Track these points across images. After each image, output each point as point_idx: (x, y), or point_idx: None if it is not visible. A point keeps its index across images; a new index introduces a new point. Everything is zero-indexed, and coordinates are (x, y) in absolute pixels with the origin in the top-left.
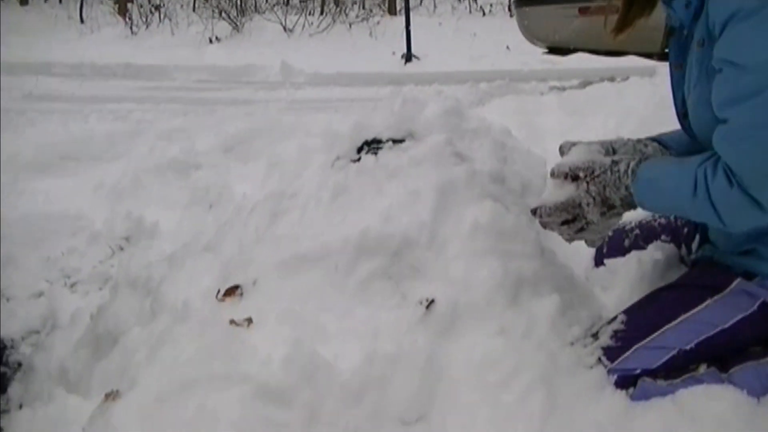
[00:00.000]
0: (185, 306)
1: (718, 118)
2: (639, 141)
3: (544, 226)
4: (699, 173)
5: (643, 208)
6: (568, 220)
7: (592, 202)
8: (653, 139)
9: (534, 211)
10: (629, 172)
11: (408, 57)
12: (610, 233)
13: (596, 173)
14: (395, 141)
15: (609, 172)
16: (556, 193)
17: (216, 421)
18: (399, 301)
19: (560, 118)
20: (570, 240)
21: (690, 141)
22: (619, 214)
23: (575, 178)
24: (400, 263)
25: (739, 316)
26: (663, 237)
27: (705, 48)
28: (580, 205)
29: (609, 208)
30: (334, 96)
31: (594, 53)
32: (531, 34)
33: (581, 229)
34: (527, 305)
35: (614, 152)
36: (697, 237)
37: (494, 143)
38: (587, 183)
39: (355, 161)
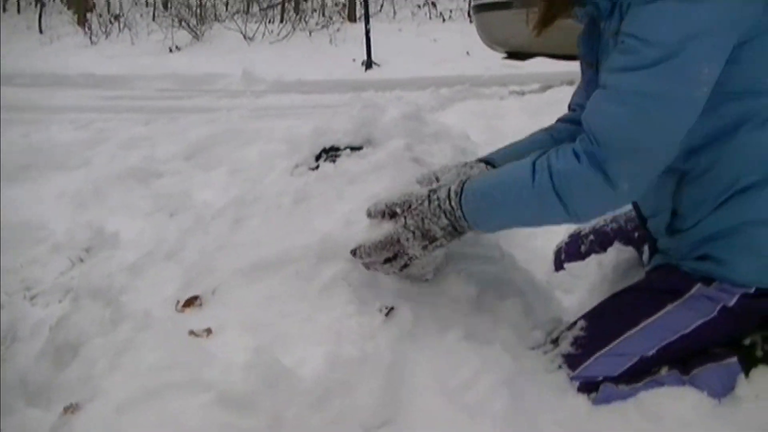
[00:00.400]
0: (146, 315)
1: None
2: (465, 164)
3: (367, 267)
4: (537, 163)
5: (478, 227)
6: (390, 258)
7: (412, 236)
8: (481, 160)
9: (353, 252)
10: (451, 195)
11: (368, 63)
12: (566, 239)
13: (413, 206)
14: (353, 148)
15: (426, 202)
16: (374, 232)
17: (179, 429)
18: (360, 306)
19: (521, 121)
20: (397, 275)
21: (515, 152)
22: (443, 245)
23: (393, 215)
24: (361, 269)
25: (700, 321)
26: (617, 242)
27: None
28: (399, 241)
29: (431, 240)
30: (295, 103)
31: (552, 57)
32: (489, 40)
33: (405, 266)
34: (490, 309)
35: (437, 181)
36: (646, 247)
37: (453, 148)
38: (404, 218)
39: (313, 169)
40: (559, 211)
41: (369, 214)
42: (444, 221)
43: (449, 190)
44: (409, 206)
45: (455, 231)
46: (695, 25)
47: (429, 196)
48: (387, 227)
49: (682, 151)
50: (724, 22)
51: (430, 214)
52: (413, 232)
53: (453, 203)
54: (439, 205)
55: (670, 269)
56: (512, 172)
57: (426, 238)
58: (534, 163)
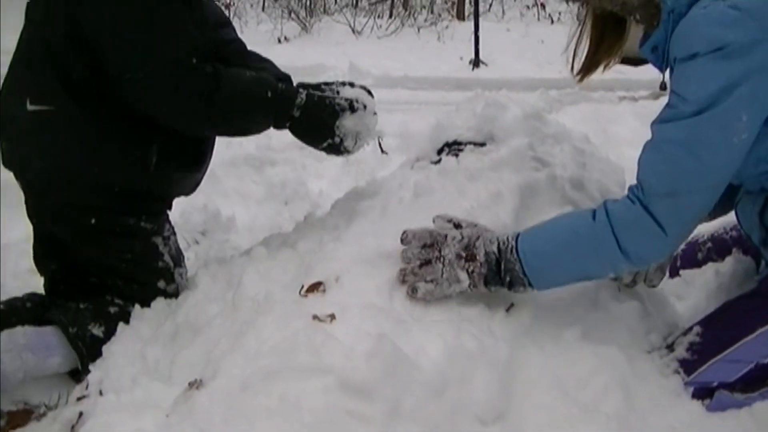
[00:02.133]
0: (267, 299)
1: None
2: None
3: (402, 257)
4: (598, 209)
5: (530, 266)
6: (426, 244)
7: (458, 237)
8: None
9: (404, 234)
10: (510, 235)
11: (476, 62)
12: (683, 245)
13: (478, 225)
14: (476, 144)
15: (486, 231)
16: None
17: (299, 411)
18: (481, 300)
19: (634, 128)
20: (404, 281)
21: None
22: (474, 277)
23: (457, 226)
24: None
25: None
26: (735, 250)
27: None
28: (445, 236)
29: (468, 258)
30: (401, 98)
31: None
32: None
33: (428, 263)
34: (606, 310)
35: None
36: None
37: (574, 149)
38: (463, 226)
39: (435, 162)
40: (614, 248)
41: (435, 218)
42: (493, 247)
43: (509, 235)
44: (475, 225)
45: (497, 264)
46: (728, 79)
47: (488, 229)
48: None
49: (762, 176)
50: (756, 69)
51: (486, 237)
52: (462, 237)
53: (510, 236)
54: (494, 236)
55: None
56: (568, 217)
57: (467, 251)
58: (593, 210)
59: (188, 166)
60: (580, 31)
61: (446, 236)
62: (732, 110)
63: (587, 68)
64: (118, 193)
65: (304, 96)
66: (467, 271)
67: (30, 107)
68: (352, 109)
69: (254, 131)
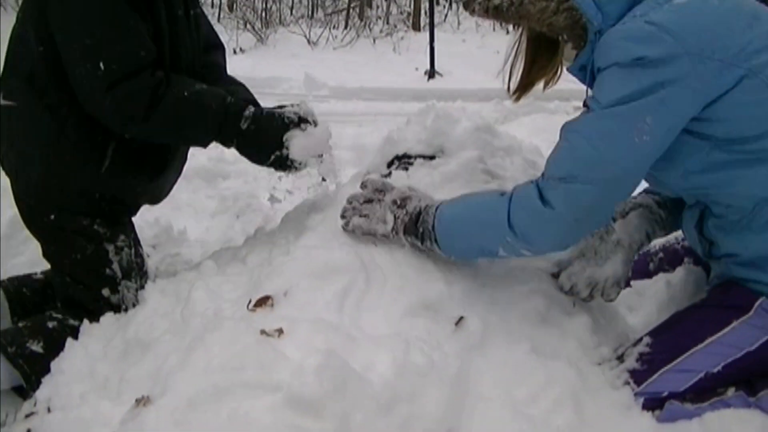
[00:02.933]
0: (216, 315)
1: None
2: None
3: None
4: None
5: (439, 221)
6: (377, 189)
7: (401, 191)
8: None
9: (363, 181)
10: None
11: (431, 73)
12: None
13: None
14: (425, 157)
15: (429, 198)
16: None
17: (248, 428)
18: (430, 314)
19: None
20: (343, 216)
21: None
22: (398, 223)
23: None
24: (431, 277)
25: (765, 338)
26: (687, 260)
27: None
28: (393, 186)
29: (400, 206)
30: (357, 110)
31: None
32: None
33: (369, 201)
34: (557, 324)
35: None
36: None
37: (525, 162)
38: (411, 188)
39: (385, 176)
40: (503, 221)
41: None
42: (422, 204)
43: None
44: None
45: (418, 218)
46: (639, 85)
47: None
48: None
49: (693, 191)
50: (669, 81)
51: (423, 197)
52: (403, 192)
53: (433, 205)
54: (425, 198)
55: (732, 284)
56: (494, 191)
57: (401, 199)
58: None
59: (145, 173)
60: (516, 50)
61: (393, 186)
62: (637, 110)
63: (523, 87)
64: (74, 191)
65: (252, 110)
66: (395, 216)
67: (2, 102)
68: (302, 122)
69: (197, 141)
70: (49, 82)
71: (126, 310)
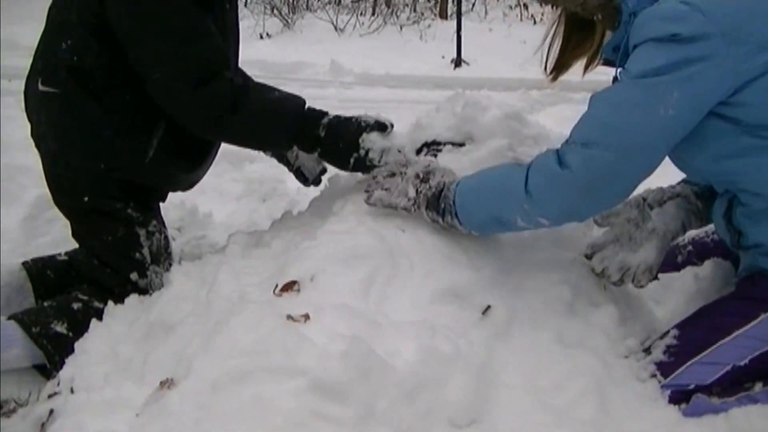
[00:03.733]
0: (241, 298)
1: None
2: None
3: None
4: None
5: (460, 194)
6: (401, 163)
7: (424, 164)
8: None
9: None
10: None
11: (458, 61)
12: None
13: (451, 170)
14: (454, 144)
15: (453, 173)
16: None
17: (271, 412)
18: (457, 302)
19: None
20: (367, 190)
21: None
22: (420, 198)
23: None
24: (459, 263)
25: None
26: (716, 255)
27: None
28: (417, 160)
29: (423, 180)
30: (382, 97)
31: None
32: None
33: (392, 175)
34: (583, 315)
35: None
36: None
37: None
38: (437, 163)
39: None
40: (520, 186)
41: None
42: (444, 180)
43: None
44: (445, 168)
45: (440, 194)
46: (668, 60)
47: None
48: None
49: (722, 177)
50: (698, 59)
51: (447, 172)
52: (427, 165)
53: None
54: (449, 173)
55: (760, 277)
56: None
57: (424, 173)
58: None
59: (185, 164)
60: (554, 31)
61: (418, 161)
62: (665, 84)
63: (558, 67)
64: (113, 178)
65: (330, 116)
66: (417, 189)
67: (41, 87)
68: (379, 126)
69: (276, 145)
70: (97, 72)
71: (148, 293)
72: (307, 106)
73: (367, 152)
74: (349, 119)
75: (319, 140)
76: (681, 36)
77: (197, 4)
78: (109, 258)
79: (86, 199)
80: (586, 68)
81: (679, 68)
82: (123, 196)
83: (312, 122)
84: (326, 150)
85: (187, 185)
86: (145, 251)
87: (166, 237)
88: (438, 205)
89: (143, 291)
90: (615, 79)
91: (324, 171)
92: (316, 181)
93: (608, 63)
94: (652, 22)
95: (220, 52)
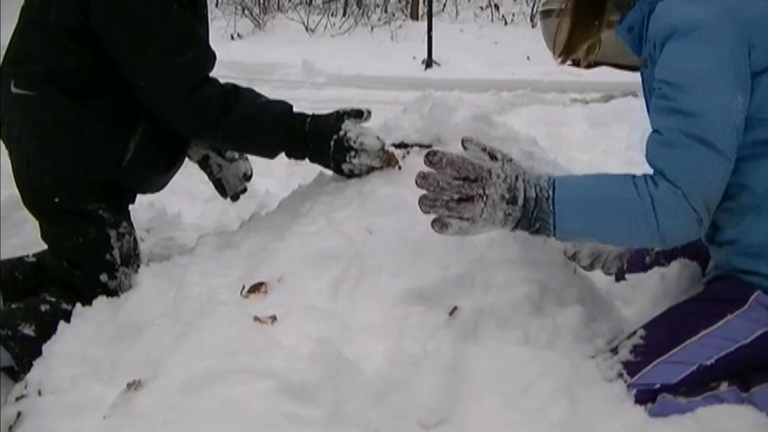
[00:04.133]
0: (210, 299)
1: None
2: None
3: (426, 178)
4: (638, 180)
5: (561, 220)
6: (469, 178)
7: (503, 176)
8: None
9: (430, 156)
10: (543, 177)
11: (429, 62)
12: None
13: (514, 162)
14: (422, 146)
15: (523, 168)
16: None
17: (240, 414)
18: (424, 303)
19: (585, 130)
20: (429, 212)
21: None
22: (508, 221)
23: (492, 156)
24: (427, 266)
25: (759, 332)
26: (683, 256)
27: (649, 68)
28: (489, 171)
29: (510, 201)
30: (354, 97)
31: (618, 67)
32: None
33: (469, 199)
34: (551, 315)
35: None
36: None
37: (521, 152)
38: (504, 162)
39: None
40: (653, 229)
41: (467, 142)
42: (532, 193)
43: (544, 173)
44: (510, 159)
45: (532, 212)
46: (710, 61)
47: (525, 167)
48: (482, 157)
49: None
50: (737, 51)
51: (527, 178)
52: (506, 176)
53: (547, 184)
54: (533, 178)
55: (728, 278)
56: (610, 179)
57: (509, 192)
58: (634, 178)
59: (161, 167)
60: (562, 12)
61: (490, 172)
62: (726, 91)
63: (566, 50)
64: (87, 180)
65: (313, 114)
66: (504, 213)
67: (14, 90)
68: (357, 114)
69: (266, 148)
70: (75, 75)
71: (118, 294)
72: (293, 107)
73: (345, 133)
74: (329, 113)
75: (305, 135)
76: (707, 22)
77: (186, 9)
78: (79, 259)
79: (57, 200)
80: (588, 55)
81: (720, 70)
82: (95, 198)
83: (300, 119)
84: (313, 142)
85: (159, 187)
86: (116, 252)
87: (135, 238)
88: (530, 226)
89: (112, 292)
90: (645, 63)
91: (244, 190)
92: (234, 197)
93: (583, 64)
94: (676, 7)
95: (210, 57)
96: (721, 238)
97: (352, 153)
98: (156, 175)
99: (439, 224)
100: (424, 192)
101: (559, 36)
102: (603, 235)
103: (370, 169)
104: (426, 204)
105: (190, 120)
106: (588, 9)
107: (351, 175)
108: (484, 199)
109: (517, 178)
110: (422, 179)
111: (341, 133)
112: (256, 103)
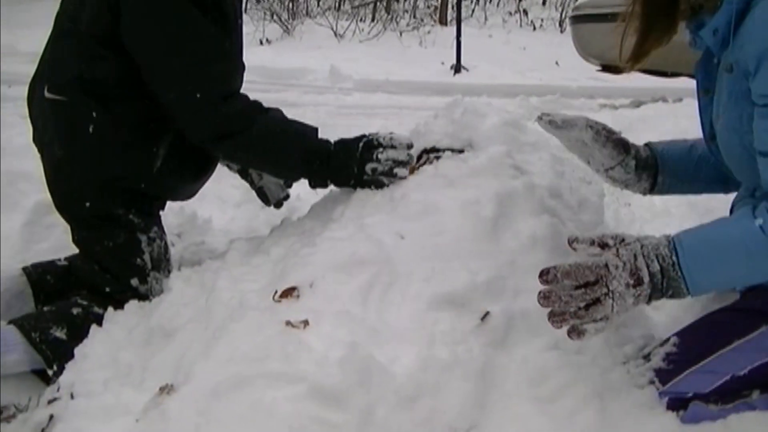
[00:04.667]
0: (240, 304)
1: (754, 149)
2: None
3: (548, 297)
4: (759, 213)
5: (693, 277)
6: (589, 282)
7: (621, 266)
8: (645, 145)
9: (545, 273)
10: (662, 242)
11: (457, 68)
12: None
13: (626, 240)
14: (453, 150)
15: (639, 244)
16: (578, 257)
17: (270, 418)
18: (455, 308)
19: None
20: (561, 325)
21: (686, 154)
22: (640, 300)
23: (603, 246)
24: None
25: None
26: None
27: (735, 74)
28: (606, 266)
29: (636, 283)
30: (382, 103)
31: (646, 73)
32: (585, 51)
33: (596, 302)
34: None
35: (607, 139)
36: None
37: (552, 157)
38: (617, 248)
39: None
40: None
41: (573, 242)
42: (656, 266)
43: (660, 238)
44: (622, 240)
45: (662, 284)
46: None
47: (639, 239)
48: (593, 253)
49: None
50: None
51: (645, 252)
52: (624, 263)
53: (667, 249)
54: (651, 249)
55: (763, 290)
56: (729, 223)
57: (632, 276)
58: (754, 211)
59: (191, 175)
60: (629, 16)
61: (608, 267)
62: None
63: (636, 56)
64: (117, 186)
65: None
66: (634, 297)
67: (47, 95)
68: (381, 145)
69: (288, 168)
70: (106, 82)
71: (148, 299)
72: (318, 130)
73: (376, 134)
74: (352, 141)
75: (329, 153)
76: None
77: (216, 24)
78: (109, 264)
79: (88, 204)
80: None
81: None
82: (125, 203)
83: (325, 140)
84: (338, 157)
85: (189, 195)
86: (146, 257)
87: (166, 243)
88: (663, 294)
89: (143, 297)
90: (730, 66)
91: (287, 197)
92: (278, 205)
93: (608, 69)
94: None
95: (238, 71)
96: None
97: (381, 150)
98: (185, 184)
99: (575, 333)
100: (549, 309)
101: (627, 41)
102: (742, 280)
103: (394, 173)
104: (556, 321)
105: (211, 131)
106: (661, 10)
107: (374, 180)
108: (611, 295)
109: (635, 257)
110: (544, 299)
111: (371, 135)
112: (281, 119)
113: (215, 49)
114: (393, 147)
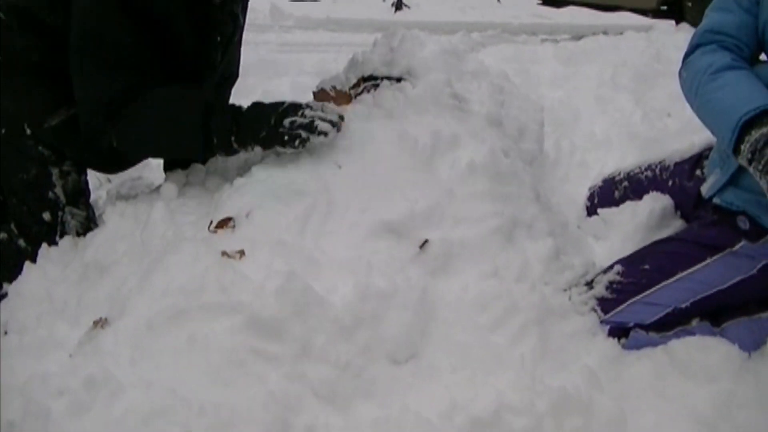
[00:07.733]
0: (176, 237)
1: None
2: None
3: None
4: None
5: None
6: None
7: None
8: None
9: None
10: None
11: (398, 5)
12: (600, 183)
13: None
14: (391, 79)
15: None
16: None
17: (207, 350)
18: (394, 237)
19: (555, 68)
20: None
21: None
22: None
23: None
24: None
25: (738, 278)
26: (651, 191)
27: None
28: None
29: None
30: (323, 41)
31: (588, 6)
32: None
33: None
34: (521, 248)
35: None
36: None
37: (492, 86)
38: None
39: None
40: None
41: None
42: None
43: None
44: None
45: None
46: None
47: None
48: None
49: None
50: None
51: None
52: None
53: None
54: None
55: (714, 222)
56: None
57: None
58: None
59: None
60: None
61: None
62: None
63: None
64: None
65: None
66: None
67: None
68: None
69: (189, 142)
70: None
71: (68, 235)
72: (209, 96)
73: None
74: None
75: (239, 111)
76: None
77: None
78: (24, 197)
79: (3, 131)
80: None
81: None
82: (35, 136)
83: (220, 107)
84: (248, 113)
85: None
86: (58, 191)
87: (85, 177)
88: None
89: (59, 232)
90: None
91: None
92: None
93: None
94: None
95: (137, 88)
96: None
97: (307, 109)
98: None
99: None
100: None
101: None
102: None
103: (315, 125)
104: None
105: (99, 103)
106: None
107: (290, 133)
108: None
109: None
110: None
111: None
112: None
113: (123, 55)
114: (322, 111)
